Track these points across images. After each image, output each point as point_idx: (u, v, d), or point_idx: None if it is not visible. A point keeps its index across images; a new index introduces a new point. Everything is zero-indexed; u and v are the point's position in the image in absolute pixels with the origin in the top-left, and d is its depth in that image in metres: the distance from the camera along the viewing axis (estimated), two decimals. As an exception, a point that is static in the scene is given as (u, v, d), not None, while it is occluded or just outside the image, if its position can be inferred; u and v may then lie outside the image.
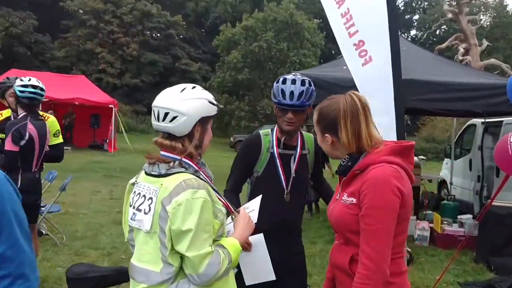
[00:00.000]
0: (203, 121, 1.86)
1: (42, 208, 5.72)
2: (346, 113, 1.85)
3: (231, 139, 25.14)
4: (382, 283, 1.74)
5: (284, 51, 31.15)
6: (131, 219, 1.85)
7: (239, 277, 2.14)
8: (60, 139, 4.33)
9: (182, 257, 1.75)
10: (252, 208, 2.22)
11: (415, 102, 6.22)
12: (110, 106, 18.92)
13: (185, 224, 1.69)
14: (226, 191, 2.69)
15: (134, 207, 1.85)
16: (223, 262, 1.77)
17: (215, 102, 1.90)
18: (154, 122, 1.84)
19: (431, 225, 7.16)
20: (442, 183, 10.80)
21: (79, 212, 7.72)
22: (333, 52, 35.64)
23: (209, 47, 38.00)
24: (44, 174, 6.01)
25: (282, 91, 2.48)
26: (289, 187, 2.63)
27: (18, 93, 3.66)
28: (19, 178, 3.60)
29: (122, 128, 18.86)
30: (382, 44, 3.04)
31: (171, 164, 1.80)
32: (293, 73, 2.62)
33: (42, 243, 5.62)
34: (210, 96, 1.90)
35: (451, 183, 9.76)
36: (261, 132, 2.76)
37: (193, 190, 1.72)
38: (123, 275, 2.15)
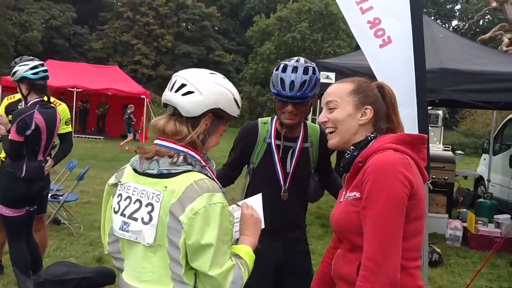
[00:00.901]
0: (216, 115, 1.56)
1: (60, 197, 5.70)
2: (394, 96, 1.74)
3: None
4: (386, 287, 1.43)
5: (318, 42, 30.62)
6: (120, 229, 1.51)
7: None
8: (69, 128, 4.21)
9: (196, 273, 1.49)
10: (254, 207, 1.92)
11: (452, 93, 5.76)
12: (142, 96, 19.05)
13: (205, 237, 1.40)
14: (219, 170, 2.46)
15: (124, 215, 1.51)
16: (243, 276, 1.53)
17: (239, 104, 1.63)
18: (165, 92, 1.54)
19: (464, 224, 6.74)
20: (479, 180, 10.24)
21: (100, 201, 7.67)
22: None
23: (243, 39, 37.83)
24: (66, 163, 5.97)
25: (282, 80, 2.18)
26: (287, 185, 2.36)
27: (31, 76, 3.46)
28: (24, 167, 3.49)
29: (154, 119, 18.93)
30: (402, 23, 2.70)
31: (175, 159, 1.47)
32: (296, 58, 2.30)
33: (58, 232, 5.61)
34: (237, 95, 1.62)
35: (488, 180, 9.21)
36: (260, 119, 2.51)
37: (209, 194, 1.43)
38: (107, 277, 1.96)
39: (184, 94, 1.50)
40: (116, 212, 1.54)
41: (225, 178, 2.46)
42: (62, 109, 4.08)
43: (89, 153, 13.54)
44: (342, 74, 6.47)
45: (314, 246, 5.67)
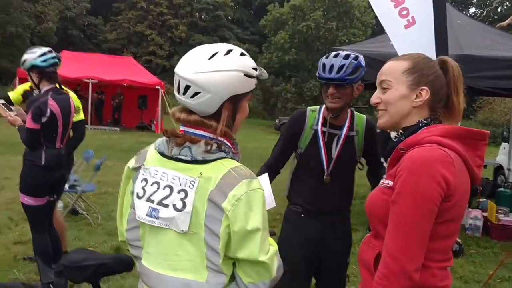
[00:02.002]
0: (234, 99, 1.44)
1: (78, 188, 5.74)
2: (459, 74, 1.55)
3: (277, 121, 24.80)
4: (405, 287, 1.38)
5: (333, 31, 30.27)
6: (148, 215, 1.45)
7: None
8: (81, 116, 4.20)
9: (234, 263, 1.46)
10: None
11: (471, 80, 5.62)
12: (157, 87, 19.10)
13: (250, 223, 1.37)
14: (262, 167, 2.63)
15: (151, 201, 1.44)
16: (281, 262, 1.52)
17: (254, 74, 1.47)
18: (176, 94, 1.45)
19: (484, 214, 6.62)
20: (499, 169, 10.09)
21: (118, 192, 7.73)
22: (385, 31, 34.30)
23: (257, 28, 37.64)
24: (82, 152, 6.01)
25: (323, 65, 2.36)
26: (330, 169, 2.49)
27: (41, 64, 3.44)
28: (43, 155, 3.50)
29: (169, 109, 18.96)
30: (424, 4, 2.62)
31: (209, 147, 1.41)
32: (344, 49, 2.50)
33: (76, 223, 5.66)
34: (248, 65, 1.45)
35: (508, 169, 9.05)
36: (309, 108, 2.63)
37: (247, 180, 1.40)
38: (125, 264, 1.95)
39: (192, 97, 1.41)
40: (140, 198, 1.47)
41: (271, 170, 2.57)
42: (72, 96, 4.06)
43: (106, 144, 13.64)
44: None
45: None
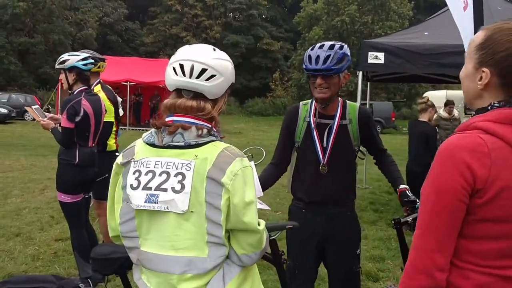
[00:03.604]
0: (229, 88, 1.65)
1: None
2: None
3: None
4: (425, 285, 1.25)
5: (369, 25, 29.80)
6: (147, 202, 1.51)
7: None
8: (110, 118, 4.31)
9: (229, 236, 1.56)
10: None
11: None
12: (192, 88, 19.37)
13: (247, 195, 1.51)
14: (268, 165, 2.70)
15: (148, 188, 1.51)
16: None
17: None
18: (179, 78, 1.53)
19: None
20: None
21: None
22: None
23: (291, 25, 37.52)
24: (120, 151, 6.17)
25: (309, 56, 2.40)
26: (325, 159, 2.50)
27: (82, 67, 3.64)
28: (77, 154, 3.63)
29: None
30: None
31: (200, 131, 1.52)
32: (331, 41, 2.49)
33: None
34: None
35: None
36: (301, 102, 2.68)
37: (240, 158, 1.54)
38: None
39: (207, 79, 1.54)
40: (135, 188, 1.53)
41: (277, 168, 2.65)
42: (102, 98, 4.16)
43: (127, 147, 13.92)
44: (392, 54, 6.24)
45: (367, 231, 5.55)
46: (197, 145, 1.52)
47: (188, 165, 1.49)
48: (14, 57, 30.91)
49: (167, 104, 1.58)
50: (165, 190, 1.49)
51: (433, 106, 5.96)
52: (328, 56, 2.34)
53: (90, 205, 4.13)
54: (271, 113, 32.34)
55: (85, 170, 3.69)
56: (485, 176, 1.20)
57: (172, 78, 1.55)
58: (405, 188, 2.49)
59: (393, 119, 24.03)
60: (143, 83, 19.32)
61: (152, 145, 1.56)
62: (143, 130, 19.16)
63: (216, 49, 1.63)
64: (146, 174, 1.52)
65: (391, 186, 2.66)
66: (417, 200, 2.40)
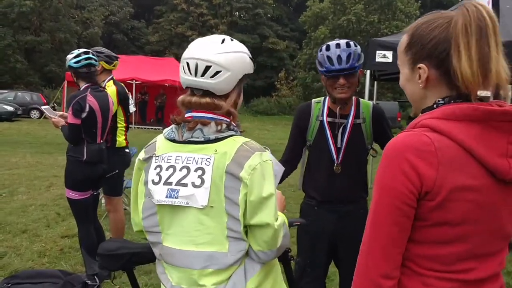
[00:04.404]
0: (242, 80, 1.59)
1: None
2: (470, 27, 1.13)
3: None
4: None
5: (375, 24, 29.72)
6: (168, 197, 1.51)
7: None
8: None
9: (246, 231, 1.54)
10: None
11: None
12: (197, 86, 19.39)
13: (264, 190, 1.48)
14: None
15: (169, 183, 1.52)
16: (287, 231, 1.63)
17: (251, 58, 1.64)
18: (187, 76, 1.52)
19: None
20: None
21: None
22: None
23: (297, 24, 37.47)
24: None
25: (329, 57, 2.34)
26: (339, 159, 2.49)
27: (74, 65, 3.62)
28: (85, 150, 3.62)
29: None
30: None
31: (219, 126, 1.51)
32: (337, 39, 2.46)
33: (120, 217, 5.81)
34: (247, 51, 1.63)
35: None
36: (313, 100, 2.65)
37: (259, 152, 1.52)
38: None
39: (212, 76, 1.51)
40: (156, 183, 1.54)
41: (287, 165, 2.58)
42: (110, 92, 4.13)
43: (149, 142, 13.95)
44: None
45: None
46: (217, 140, 1.51)
47: (208, 159, 1.49)
48: (20, 55, 31.05)
49: (183, 102, 1.57)
50: (185, 185, 1.50)
51: None
52: (350, 54, 2.31)
53: (101, 201, 4.14)
54: (276, 112, 32.31)
55: (94, 166, 3.68)
56: (433, 177, 1.11)
57: (182, 77, 1.56)
58: None
59: (399, 119, 23.95)
60: (148, 82, 19.35)
61: (173, 140, 1.57)
62: (148, 128, 19.26)
63: (227, 39, 1.59)
64: (167, 169, 1.53)
65: None
66: None
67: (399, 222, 1.15)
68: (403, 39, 1.28)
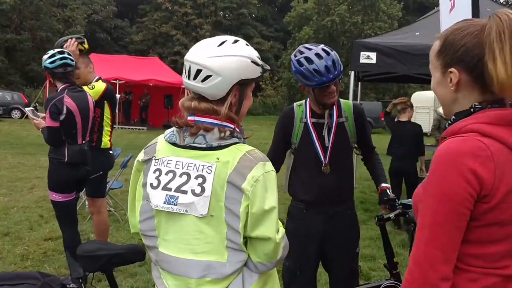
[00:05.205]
0: (242, 84, 1.51)
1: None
2: (503, 34, 1.18)
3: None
4: None
5: (358, 25, 29.95)
6: (166, 203, 1.48)
7: None
8: None
9: (246, 242, 1.51)
10: None
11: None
12: (182, 86, 19.18)
13: (266, 203, 1.43)
14: None
15: (168, 189, 1.47)
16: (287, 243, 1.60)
17: (260, 62, 1.55)
18: (185, 79, 1.50)
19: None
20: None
21: (145, 189, 7.84)
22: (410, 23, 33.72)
23: (281, 25, 37.55)
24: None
25: (316, 70, 2.30)
26: (327, 159, 2.51)
27: (49, 66, 3.54)
28: (66, 152, 3.57)
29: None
30: None
31: (222, 133, 1.47)
32: (306, 47, 2.38)
33: (104, 219, 5.76)
34: (254, 54, 1.54)
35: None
36: (295, 103, 2.66)
37: (262, 162, 1.46)
38: (137, 254, 1.98)
39: (203, 81, 1.45)
40: (155, 188, 1.49)
41: None
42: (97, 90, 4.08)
43: (133, 143, 13.86)
44: (384, 54, 6.27)
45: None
46: (220, 147, 1.46)
47: (209, 167, 1.44)
48: (0, 54, 30.50)
49: (185, 105, 1.52)
50: (185, 192, 1.45)
51: (411, 106, 6.07)
52: (333, 62, 2.31)
53: (85, 203, 4.10)
54: (261, 112, 32.34)
55: (77, 168, 3.63)
56: (491, 181, 1.17)
57: (183, 80, 1.52)
58: (387, 187, 2.59)
59: (382, 119, 24.16)
60: (132, 82, 19.16)
61: (174, 144, 1.52)
62: (132, 128, 19.11)
63: (228, 41, 1.51)
64: (167, 174, 1.48)
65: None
66: (397, 199, 2.54)
67: (460, 226, 1.20)
68: (435, 45, 1.34)
